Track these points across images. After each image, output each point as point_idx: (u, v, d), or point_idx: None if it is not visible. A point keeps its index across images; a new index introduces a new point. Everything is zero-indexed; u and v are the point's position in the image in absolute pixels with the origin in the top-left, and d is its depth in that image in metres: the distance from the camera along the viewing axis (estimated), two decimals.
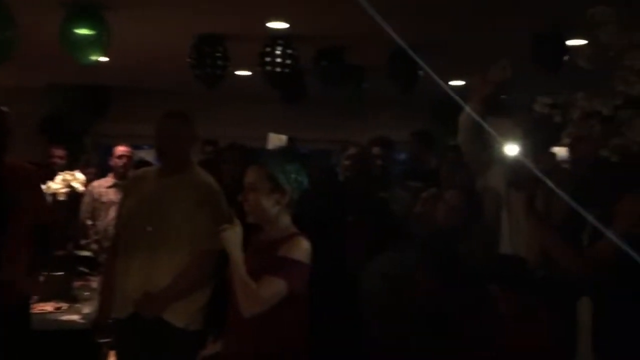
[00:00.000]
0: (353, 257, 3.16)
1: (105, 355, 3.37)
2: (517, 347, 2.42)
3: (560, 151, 3.15)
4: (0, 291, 2.82)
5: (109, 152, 5.58)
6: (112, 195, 4.87)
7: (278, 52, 5.25)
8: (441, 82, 2.89)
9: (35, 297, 3.48)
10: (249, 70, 6.58)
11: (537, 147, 2.87)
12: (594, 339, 2.43)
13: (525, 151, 2.46)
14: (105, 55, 4.90)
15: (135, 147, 6.01)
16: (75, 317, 3.50)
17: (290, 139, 3.19)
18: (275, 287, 2.19)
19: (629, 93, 1.54)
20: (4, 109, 3.01)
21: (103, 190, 5.03)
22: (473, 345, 2.58)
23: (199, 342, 2.74)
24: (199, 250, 2.77)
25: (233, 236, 2.21)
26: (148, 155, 7.65)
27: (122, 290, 2.81)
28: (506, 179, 2.94)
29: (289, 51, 5.28)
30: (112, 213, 4.52)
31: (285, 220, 2.36)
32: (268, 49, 5.28)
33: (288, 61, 5.24)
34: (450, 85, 6.62)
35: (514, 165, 2.55)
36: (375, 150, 3.97)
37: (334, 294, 2.93)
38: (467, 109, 2.85)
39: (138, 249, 2.80)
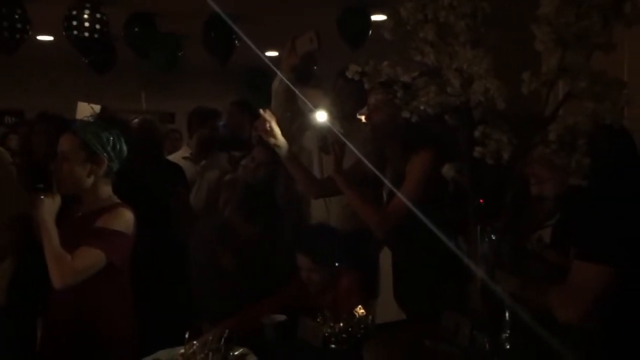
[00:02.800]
0: (178, 226, 3.18)
1: None
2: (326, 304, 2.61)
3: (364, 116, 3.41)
4: None
5: None
6: None
7: (85, 16, 5.00)
8: (259, 52, 2.97)
9: None
10: (51, 35, 6.18)
11: (344, 113, 3.10)
12: (393, 285, 2.71)
13: (333, 117, 2.63)
14: None
15: None
16: None
17: (103, 109, 3.06)
18: (90, 258, 2.13)
19: (425, 62, 1.69)
20: None
21: None
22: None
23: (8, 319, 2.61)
24: None
25: (49, 205, 2.15)
26: None
27: None
28: (317, 144, 3.15)
29: (97, 15, 5.06)
30: None
31: (105, 190, 2.30)
32: (74, 12, 5.02)
33: (97, 26, 5.02)
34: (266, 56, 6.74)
35: (323, 130, 2.73)
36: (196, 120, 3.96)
37: (161, 263, 2.93)
38: (278, 77, 2.96)
39: None
